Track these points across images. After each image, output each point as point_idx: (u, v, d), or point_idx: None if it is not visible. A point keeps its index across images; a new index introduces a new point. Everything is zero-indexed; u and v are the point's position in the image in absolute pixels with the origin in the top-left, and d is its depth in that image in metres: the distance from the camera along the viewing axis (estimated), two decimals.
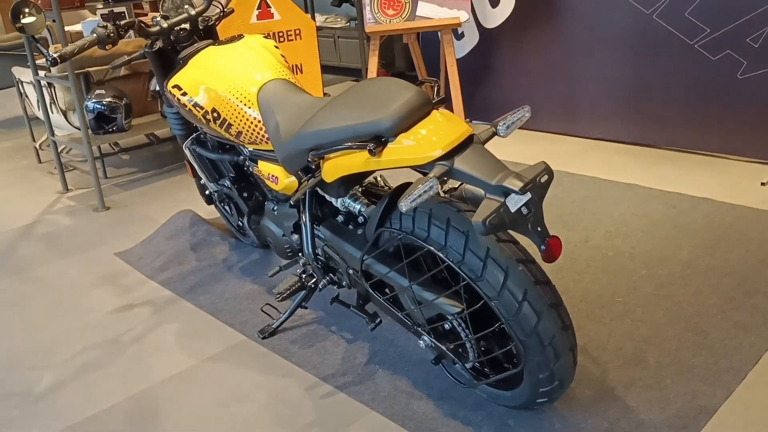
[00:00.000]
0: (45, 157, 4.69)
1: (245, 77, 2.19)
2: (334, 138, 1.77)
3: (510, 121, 1.67)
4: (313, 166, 1.94)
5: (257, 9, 3.87)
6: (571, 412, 1.97)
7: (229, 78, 2.20)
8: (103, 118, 3.88)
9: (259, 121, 2.14)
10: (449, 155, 1.60)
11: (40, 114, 4.27)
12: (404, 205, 1.51)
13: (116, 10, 4.30)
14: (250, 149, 2.27)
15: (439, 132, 1.62)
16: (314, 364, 2.27)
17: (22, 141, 5.20)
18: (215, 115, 2.22)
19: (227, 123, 2.21)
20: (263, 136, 2.15)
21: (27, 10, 2.24)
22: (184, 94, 2.27)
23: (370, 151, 1.65)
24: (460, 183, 1.93)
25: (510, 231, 1.60)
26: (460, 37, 4.73)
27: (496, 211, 1.49)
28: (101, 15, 4.20)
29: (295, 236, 2.27)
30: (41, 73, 3.88)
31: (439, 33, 4.70)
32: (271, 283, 2.78)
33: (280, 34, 3.96)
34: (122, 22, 2.27)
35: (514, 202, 1.51)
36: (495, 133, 1.68)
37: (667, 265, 2.70)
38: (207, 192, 2.91)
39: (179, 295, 2.78)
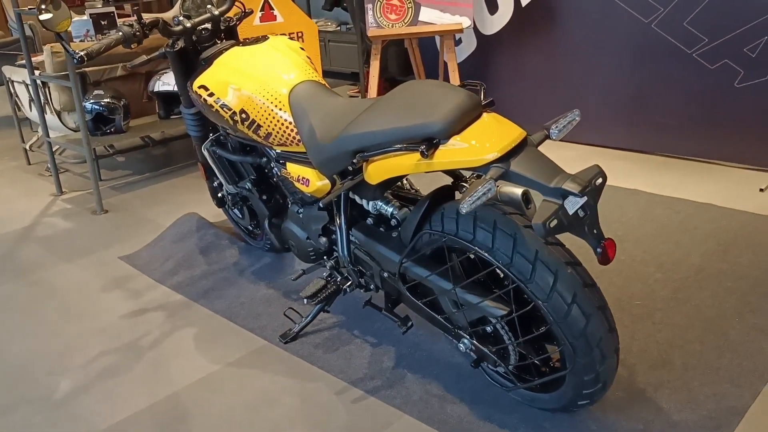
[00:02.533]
0: (34, 159, 4.59)
1: (275, 78, 2.17)
2: (382, 140, 1.76)
3: (562, 124, 1.68)
4: (350, 169, 1.93)
5: (260, 11, 3.84)
6: (605, 414, 1.99)
7: (259, 79, 2.18)
8: (102, 119, 3.82)
9: (291, 123, 2.12)
10: (504, 158, 1.60)
11: (31, 114, 4.18)
12: (465, 206, 1.51)
13: (105, 10, 4.24)
14: (278, 151, 2.25)
15: (492, 134, 1.63)
16: (341, 368, 2.25)
17: (10, 142, 5.08)
18: (243, 116, 2.19)
19: (256, 124, 2.18)
20: (294, 137, 2.13)
21: (44, 6, 2.19)
22: (211, 94, 2.24)
23: (423, 153, 1.65)
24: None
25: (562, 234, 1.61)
26: (457, 43, 4.76)
27: (555, 213, 1.50)
28: (90, 14, 4.13)
29: (323, 239, 2.25)
30: (36, 72, 3.79)
31: (437, 39, 4.72)
32: (287, 287, 2.75)
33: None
34: (147, 21, 2.23)
35: (572, 205, 1.52)
36: (547, 136, 1.69)
37: (681, 269, 2.74)
38: (220, 194, 2.87)
39: (193, 300, 2.73)
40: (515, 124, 1.69)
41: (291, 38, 3.97)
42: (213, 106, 2.24)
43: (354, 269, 2.14)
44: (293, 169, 2.21)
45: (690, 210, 3.28)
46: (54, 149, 4.20)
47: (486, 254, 1.73)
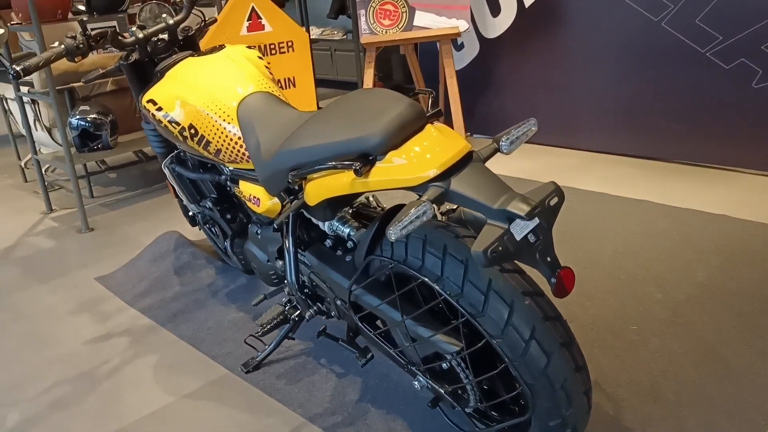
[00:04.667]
0: (31, 176, 4.53)
1: (225, 90, 2.02)
2: (316, 156, 1.59)
3: (514, 135, 1.49)
4: (295, 188, 1.77)
5: (247, 20, 3.71)
6: None
7: (208, 91, 2.03)
8: (88, 135, 3.72)
9: (239, 138, 1.97)
10: (445, 175, 1.42)
11: (25, 131, 4.11)
12: (393, 232, 1.34)
13: (104, 26, 4.16)
14: (231, 168, 2.10)
15: (433, 149, 1.45)
16: (301, 402, 2.08)
17: (8, 159, 5.05)
18: (192, 131, 2.05)
19: (205, 140, 2.04)
20: (243, 154, 1.98)
21: None
22: (159, 109, 2.10)
23: (356, 171, 1.47)
24: (455, 206, 1.76)
25: (515, 262, 1.42)
26: (459, 47, 4.57)
27: (498, 239, 1.31)
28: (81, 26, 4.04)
29: (279, 262, 2.09)
30: (24, 89, 3.72)
31: (438, 44, 4.54)
32: (258, 311, 2.60)
33: (272, 47, 3.80)
34: (94, 32, 2.10)
35: (520, 229, 1.33)
36: (497, 150, 1.50)
37: (683, 288, 2.51)
38: (191, 213, 2.73)
39: (160, 324, 2.60)
40: (461, 136, 1.50)
41: (281, 48, 3.84)
42: (161, 122, 2.10)
43: (302, 297, 1.97)
44: (245, 188, 2.06)
45: (698, 222, 3.04)
46: (45, 167, 4.12)
47: (434, 284, 1.55)
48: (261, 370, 2.26)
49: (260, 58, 2.21)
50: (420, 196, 1.42)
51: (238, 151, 1.98)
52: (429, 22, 3.88)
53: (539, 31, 4.17)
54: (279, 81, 3.86)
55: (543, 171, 3.90)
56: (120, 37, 2.18)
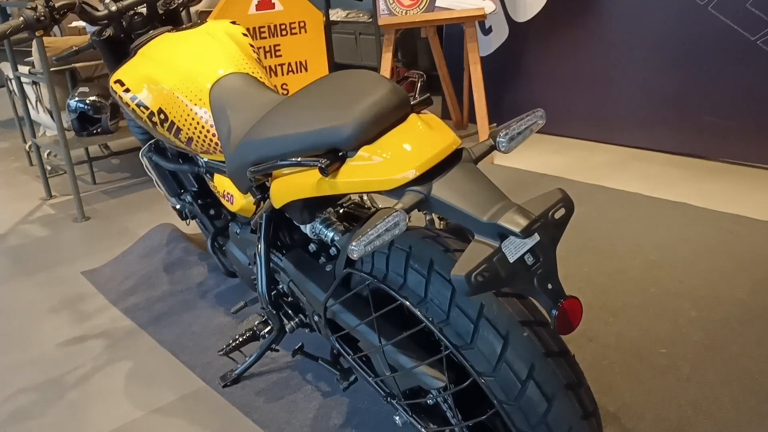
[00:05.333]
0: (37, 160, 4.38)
1: (198, 70, 1.79)
2: (279, 150, 1.35)
3: (515, 130, 1.23)
4: (260, 185, 1.53)
5: None
6: None
7: (180, 71, 1.80)
8: (87, 118, 3.54)
9: (211, 126, 1.73)
10: (426, 177, 1.16)
11: (35, 115, 3.95)
12: (355, 248, 1.08)
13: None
14: (205, 159, 1.87)
15: (415, 145, 1.19)
16: (279, 425, 1.85)
17: (17, 142, 4.91)
18: (162, 117, 1.82)
19: (176, 127, 1.80)
20: (216, 143, 1.74)
21: None
22: (127, 90, 1.87)
23: (321, 170, 1.23)
24: None
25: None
26: (487, 32, 4.28)
27: (487, 260, 1.05)
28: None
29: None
30: (24, 68, 3.55)
31: (462, 26, 4.24)
32: (245, 317, 2.37)
33: (282, 27, 3.56)
34: (58, 4, 1.88)
35: (514, 248, 1.07)
36: (494, 147, 1.24)
37: (722, 307, 2.21)
38: (178, 205, 2.52)
39: (141, 326, 2.39)
40: (450, 130, 1.24)
41: (292, 29, 3.60)
42: (129, 105, 1.88)
43: (273, 311, 1.73)
44: (219, 183, 1.83)
45: (743, 228, 2.72)
46: (47, 151, 3.96)
47: (415, 308, 1.29)
48: (240, 384, 2.03)
49: (245, 35, 1.97)
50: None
51: (210, 140, 1.75)
52: (453, 3, 3.59)
53: (574, 16, 3.85)
54: (289, 64, 3.62)
55: (573, 167, 3.60)
56: (90, 9, 1.95)
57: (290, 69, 3.65)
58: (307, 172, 1.32)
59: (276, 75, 3.63)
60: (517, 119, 1.24)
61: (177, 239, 2.88)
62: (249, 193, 1.68)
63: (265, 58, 3.56)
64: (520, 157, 3.77)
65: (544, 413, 1.20)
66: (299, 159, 1.28)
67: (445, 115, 4.56)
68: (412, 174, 1.15)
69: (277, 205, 1.44)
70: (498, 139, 1.22)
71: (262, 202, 1.64)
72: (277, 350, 2.09)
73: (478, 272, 1.04)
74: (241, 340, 1.75)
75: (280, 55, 3.58)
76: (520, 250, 1.07)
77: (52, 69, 3.39)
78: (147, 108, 1.84)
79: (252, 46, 1.96)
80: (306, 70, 3.70)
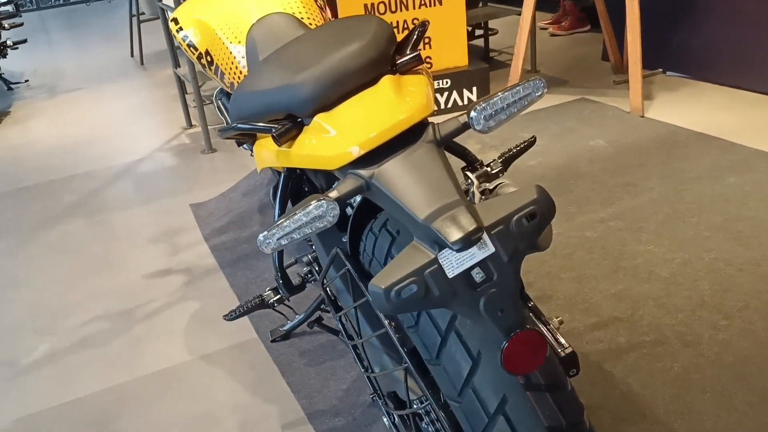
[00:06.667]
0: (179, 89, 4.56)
1: (243, 10, 1.65)
2: (250, 109, 1.18)
3: (497, 105, 0.95)
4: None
5: None
6: None
7: (225, 11, 1.67)
8: None
9: (245, 69, 1.60)
10: (376, 158, 0.94)
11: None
12: (265, 240, 0.90)
13: None
14: None
15: (369, 116, 0.96)
16: (309, 392, 1.75)
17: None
18: (209, 59, 1.72)
19: (220, 70, 1.70)
20: None
21: None
22: (180, 29, 1.79)
23: (274, 138, 1.05)
24: (498, 182, 1.25)
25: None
26: None
27: (416, 273, 0.83)
28: None
29: None
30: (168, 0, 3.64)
31: None
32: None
33: None
34: None
35: (456, 260, 0.83)
36: (467, 125, 0.98)
37: None
38: None
39: (220, 266, 2.39)
40: (423, 98, 0.99)
41: None
42: (182, 44, 1.79)
43: (280, 279, 1.59)
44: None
45: None
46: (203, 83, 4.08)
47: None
48: (288, 341, 1.96)
49: None
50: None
51: None
52: None
53: None
54: None
55: (742, 128, 3.03)
56: None
57: (422, 2, 3.41)
58: (267, 139, 1.15)
59: (406, 9, 3.40)
60: (504, 89, 0.96)
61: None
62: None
63: None
64: (678, 111, 3.25)
65: None
66: (261, 125, 1.10)
67: (603, 57, 4.06)
68: (355, 152, 0.94)
69: (258, 169, 1.28)
70: (472, 114, 0.96)
71: None
72: (327, 311, 1.98)
73: (402, 287, 0.82)
74: (249, 306, 1.65)
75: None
76: (464, 264, 0.83)
77: None
78: (196, 49, 1.75)
79: None
80: (440, 3, 3.44)
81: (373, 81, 1.03)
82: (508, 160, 1.35)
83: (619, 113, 3.28)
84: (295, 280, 1.70)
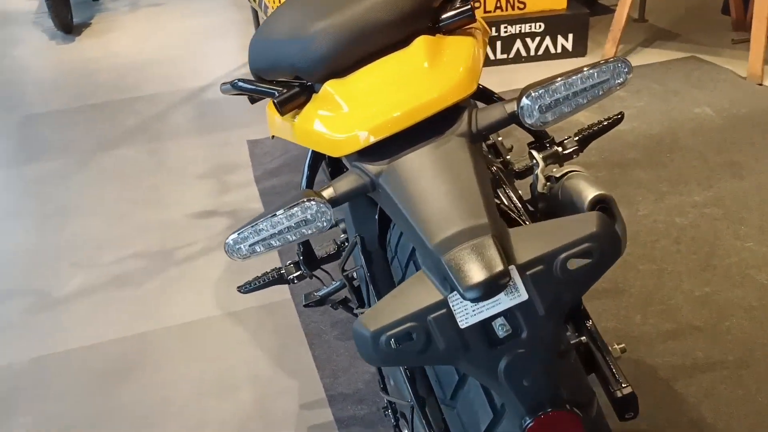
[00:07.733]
0: (252, 16, 4.37)
1: None
2: (264, 61, 0.97)
3: (560, 92, 0.70)
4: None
5: None
6: None
7: None
8: None
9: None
10: (391, 147, 0.72)
11: None
12: (231, 246, 0.71)
13: None
14: None
15: (391, 90, 0.73)
16: (334, 370, 1.60)
17: None
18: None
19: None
20: None
21: None
22: None
23: (276, 106, 0.84)
24: (569, 168, 1.02)
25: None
26: None
27: (417, 316, 0.61)
28: None
29: None
30: None
31: None
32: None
33: None
34: None
35: (472, 309, 0.61)
36: (514, 117, 0.73)
37: None
38: None
39: None
40: (468, 68, 0.75)
41: None
42: None
43: (301, 255, 1.40)
44: None
45: None
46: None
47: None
48: (322, 309, 1.80)
49: None
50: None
51: None
52: None
53: None
54: None
55: None
56: None
57: None
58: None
59: None
60: (571, 72, 0.70)
61: None
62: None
63: None
64: None
65: None
66: (265, 86, 0.89)
67: (724, 11, 3.58)
68: (363, 138, 0.72)
69: (271, 134, 1.08)
70: (523, 102, 0.71)
71: None
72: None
73: (396, 333, 0.61)
74: (266, 280, 1.47)
75: None
76: (483, 312, 0.61)
77: None
78: None
79: None
80: None
81: (403, 41, 0.79)
82: (585, 139, 1.11)
83: (734, 78, 2.87)
84: (330, 248, 1.53)
